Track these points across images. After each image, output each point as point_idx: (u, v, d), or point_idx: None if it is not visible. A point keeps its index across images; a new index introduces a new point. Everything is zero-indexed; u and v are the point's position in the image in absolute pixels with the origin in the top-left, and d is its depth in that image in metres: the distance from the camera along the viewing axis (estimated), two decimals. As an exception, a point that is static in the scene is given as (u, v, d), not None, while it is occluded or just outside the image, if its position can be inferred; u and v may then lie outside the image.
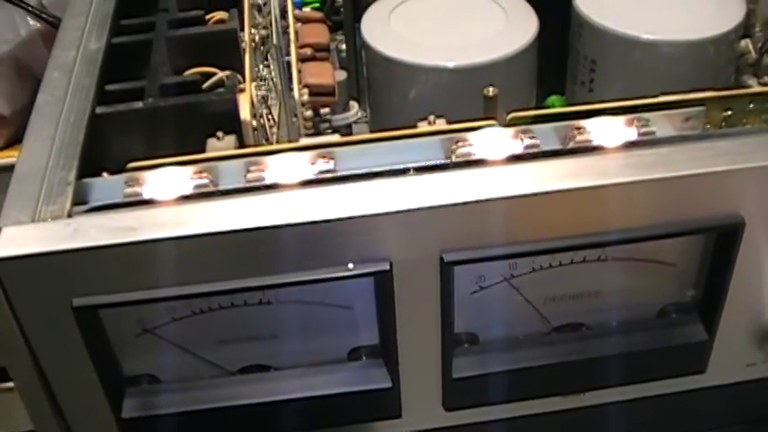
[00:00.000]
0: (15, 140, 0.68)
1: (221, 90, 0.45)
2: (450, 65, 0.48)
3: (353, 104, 0.56)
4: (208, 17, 0.51)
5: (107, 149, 0.44)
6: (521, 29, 0.51)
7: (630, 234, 0.39)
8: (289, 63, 0.51)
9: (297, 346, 0.41)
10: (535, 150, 0.40)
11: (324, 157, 0.40)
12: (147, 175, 0.40)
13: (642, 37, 0.50)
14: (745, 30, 0.54)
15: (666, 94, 0.43)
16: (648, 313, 0.43)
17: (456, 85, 0.49)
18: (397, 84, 0.50)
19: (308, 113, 0.48)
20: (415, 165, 0.40)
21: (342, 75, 0.56)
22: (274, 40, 0.52)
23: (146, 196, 0.39)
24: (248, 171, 0.40)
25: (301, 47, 0.53)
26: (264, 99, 0.51)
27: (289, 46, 0.52)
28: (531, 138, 0.41)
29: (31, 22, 0.72)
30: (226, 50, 0.48)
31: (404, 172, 0.40)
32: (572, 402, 0.44)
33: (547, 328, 0.43)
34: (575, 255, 0.40)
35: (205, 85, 0.46)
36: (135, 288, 0.37)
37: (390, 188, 0.37)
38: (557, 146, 0.41)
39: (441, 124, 0.43)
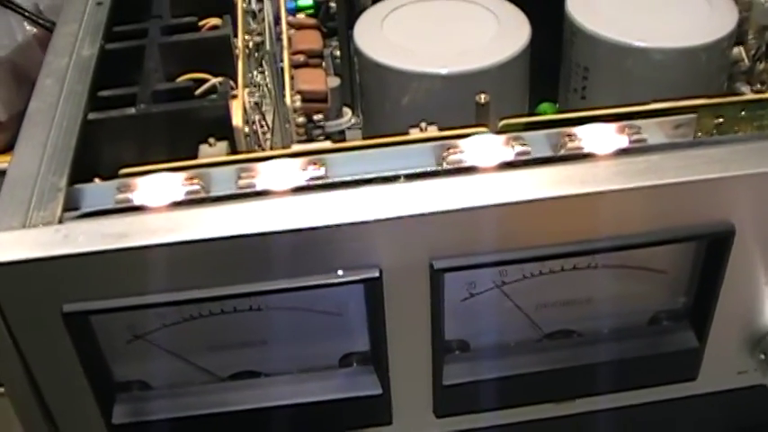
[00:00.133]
0: (12, 145, 0.68)
1: (213, 96, 0.45)
2: (443, 71, 0.48)
3: (347, 111, 0.56)
4: (201, 23, 0.51)
5: (99, 155, 0.44)
6: (513, 36, 0.51)
7: (621, 241, 0.39)
8: (282, 69, 0.51)
9: (287, 353, 0.41)
10: (526, 157, 0.40)
11: (315, 163, 0.40)
12: (138, 181, 0.40)
13: (635, 44, 0.50)
14: (738, 37, 0.54)
15: (658, 102, 0.43)
16: (640, 320, 0.43)
17: (448, 91, 0.49)
18: (390, 90, 0.50)
19: (301, 120, 0.49)
20: (405, 172, 0.40)
21: (335, 81, 0.56)
22: (267, 47, 0.52)
23: (137, 202, 0.39)
24: (239, 177, 0.40)
25: (294, 53, 0.53)
26: (258, 105, 0.51)
27: (282, 52, 0.52)
28: (523, 145, 0.41)
29: (28, 27, 0.72)
30: (219, 57, 0.49)
31: (394, 179, 0.40)
32: (563, 409, 0.44)
33: (538, 334, 0.43)
34: (565, 262, 0.40)
35: (197, 92, 0.46)
36: (125, 294, 0.37)
37: (380, 195, 0.37)
38: (548, 153, 0.41)
39: (432, 131, 0.43)
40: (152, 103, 0.44)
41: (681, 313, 0.43)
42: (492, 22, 0.52)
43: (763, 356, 0.44)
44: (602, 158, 0.40)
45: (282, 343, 0.41)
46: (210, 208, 0.37)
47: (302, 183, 0.39)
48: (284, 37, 0.53)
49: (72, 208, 0.39)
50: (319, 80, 0.51)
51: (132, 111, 0.44)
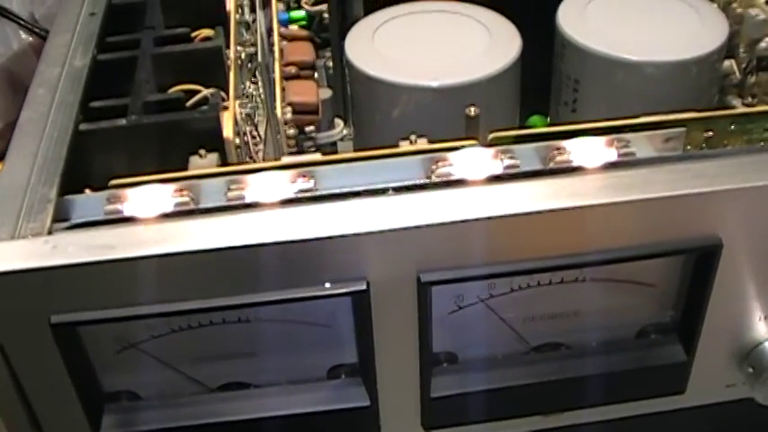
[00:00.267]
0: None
1: (205, 108, 0.45)
2: (434, 84, 0.49)
3: (339, 122, 0.56)
4: (194, 34, 0.51)
5: (90, 166, 0.44)
6: (504, 49, 0.51)
7: (609, 255, 0.39)
8: (274, 80, 0.51)
9: (276, 364, 0.41)
10: (515, 171, 0.41)
11: (304, 176, 0.40)
12: (128, 192, 0.40)
13: (625, 57, 0.50)
14: (729, 50, 0.54)
15: (648, 115, 0.43)
16: (628, 334, 0.44)
17: (439, 104, 0.49)
18: (380, 103, 0.50)
19: (292, 131, 0.49)
20: (394, 184, 0.40)
21: (327, 93, 0.56)
22: (259, 58, 0.52)
23: (127, 214, 0.39)
24: (229, 189, 0.40)
25: (286, 65, 0.53)
26: (250, 116, 0.51)
27: (274, 64, 0.52)
28: (511, 158, 0.41)
29: (23, 35, 0.73)
30: (211, 68, 0.49)
31: (383, 191, 0.40)
32: (551, 422, 0.45)
33: (526, 347, 0.43)
34: (554, 275, 0.40)
35: (189, 103, 0.46)
36: (114, 305, 0.37)
37: (368, 208, 0.37)
38: (537, 166, 0.41)
39: (422, 143, 0.43)
40: (143, 115, 0.44)
41: (669, 327, 0.43)
42: (483, 34, 0.52)
43: (751, 370, 0.44)
44: (591, 172, 0.40)
45: (271, 354, 0.41)
46: (199, 220, 0.37)
47: (291, 195, 0.40)
48: (276, 48, 0.53)
49: (62, 219, 0.39)
50: (310, 92, 0.51)
51: (123, 122, 0.44)
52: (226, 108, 0.46)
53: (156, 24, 0.52)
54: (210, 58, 0.49)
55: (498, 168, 0.40)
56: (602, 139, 0.42)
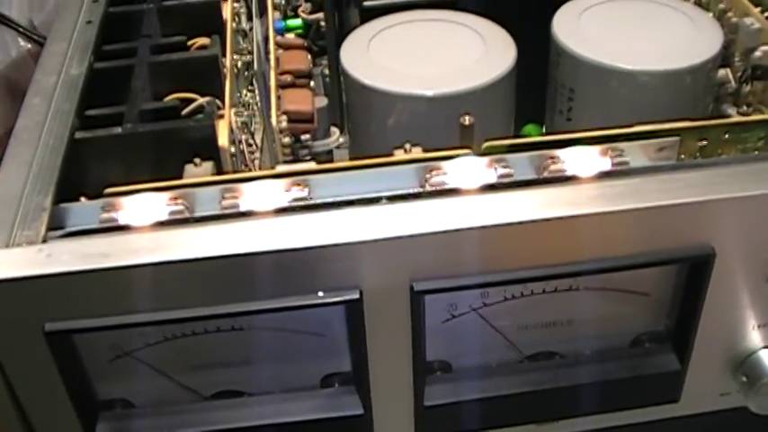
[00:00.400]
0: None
1: (200, 116, 0.46)
2: (429, 93, 0.49)
3: (335, 130, 0.56)
4: (190, 43, 0.51)
5: (86, 174, 0.44)
6: (499, 57, 0.51)
7: (603, 264, 0.39)
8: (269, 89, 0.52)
9: (270, 373, 0.41)
10: (509, 180, 0.41)
11: (298, 184, 0.40)
12: (123, 200, 0.40)
13: (620, 66, 0.50)
14: (725, 59, 0.54)
15: (642, 124, 0.44)
16: (622, 342, 0.44)
17: (434, 113, 0.49)
18: (376, 111, 0.50)
19: (287, 140, 0.49)
20: (388, 193, 0.40)
21: (322, 101, 0.56)
22: (255, 67, 0.52)
23: (121, 222, 0.39)
24: (223, 198, 0.40)
25: (282, 73, 0.53)
26: (246, 125, 0.51)
27: (269, 72, 0.52)
28: (505, 167, 0.41)
29: (22, 42, 0.73)
30: (207, 76, 0.49)
31: (376, 200, 0.40)
32: (545, 430, 0.45)
33: (520, 356, 0.43)
34: (547, 284, 0.40)
35: (184, 112, 0.46)
36: (108, 313, 0.37)
37: (361, 217, 0.37)
38: (531, 175, 0.41)
39: (416, 152, 0.43)
40: (139, 123, 0.44)
41: (663, 335, 0.43)
42: (478, 43, 0.52)
43: (745, 378, 0.44)
44: (585, 181, 0.40)
45: (265, 363, 0.41)
46: (193, 228, 0.38)
47: (285, 204, 0.40)
48: (272, 57, 0.53)
49: (56, 227, 0.39)
50: (306, 100, 0.51)
51: (119, 130, 0.44)
52: (221, 116, 0.46)
53: (153, 33, 0.52)
54: (207, 67, 0.49)
55: (492, 177, 0.41)
56: (595, 149, 0.42)
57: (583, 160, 0.41)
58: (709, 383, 0.45)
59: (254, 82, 0.55)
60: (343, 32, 0.57)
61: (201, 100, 0.47)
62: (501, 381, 0.42)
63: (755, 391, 0.44)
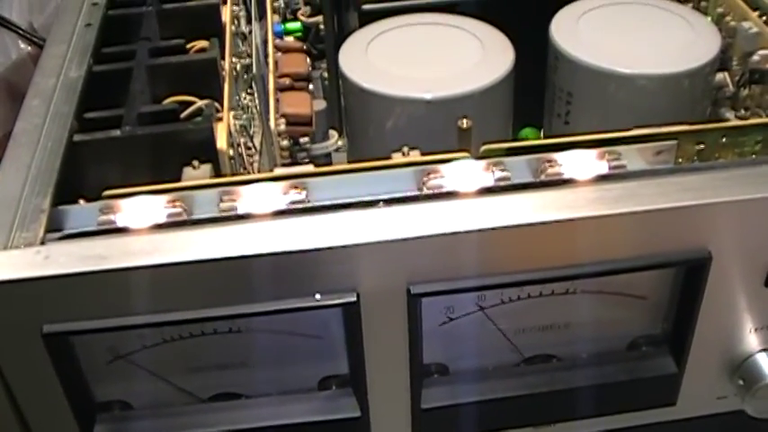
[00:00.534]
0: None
1: (198, 119, 0.46)
2: (427, 96, 0.49)
3: (333, 133, 0.56)
4: (189, 46, 0.51)
5: (84, 177, 0.44)
6: (497, 61, 0.51)
7: (600, 267, 0.39)
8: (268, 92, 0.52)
9: (267, 375, 0.41)
10: (506, 183, 0.41)
11: (296, 187, 0.40)
12: (121, 203, 0.40)
13: (618, 70, 0.50)
14: (722, 63, 0.54)
15: (640, 128, 0.44)
16: (619, 345, 0.44)
17: (432, 116, 0.49)
18: (374, 115, 0.50)
19: (285, 143, 0.49)
20: (385, 196, 0.40)
21: (321, 104, 0.56)
22: (254, 70, 0.53)
23: (120, 224, 0.39)
24: (221, 200, 0.40)
25: (280, 76, 0.53)
26: (245, 127, 0.51)
27: (268, 75, 0.52)
28: (503, 170, 0.41)
29: (22, 45, 0.73)
30: (206, 79, 0.49)
31: (374, 203, 0.40)
32: (542, 433, 0.45)
33: (517, 359, 0.43)
34: (544, 287, 0.40)
35: (183, 115, 0.46)
36: (106, 315, 0.37)
37: (359, 220, 0.37)
38: (528, 179, 0.41)
39: (414, 155, 0.43)
40: (137, 126, 0.44)
41: (660, 339, 0.43)
42: (476, 47, 0.52)
43: (741, 382, 0.44)
44: (582, 184, 0.40)
45: (262, 365, 0.41)
46: (190, 231, 0.38)
47: (283, 206, 0.40)
48: (270, 60, 0.53)
49: (55, 229, 0.39)
50: (304, 104, 0.51)
51: (117, 133, 0.44)
52: (220, 119, 0.46)
53: (152, 35, 0.52)
54: (205, 70, 0.49)
55: (490, 180, 0.41)
56: (593, 152, 0.42)
57: (580, 164, 0.42)
58: (706, 387, 0.45)
59: (253, 85, 0.55)
60: (341, 36, 0.57)
61: (200, 103, 0.47)
62: (498, 384, 0.42)
63: (752, 394, 0.44)
